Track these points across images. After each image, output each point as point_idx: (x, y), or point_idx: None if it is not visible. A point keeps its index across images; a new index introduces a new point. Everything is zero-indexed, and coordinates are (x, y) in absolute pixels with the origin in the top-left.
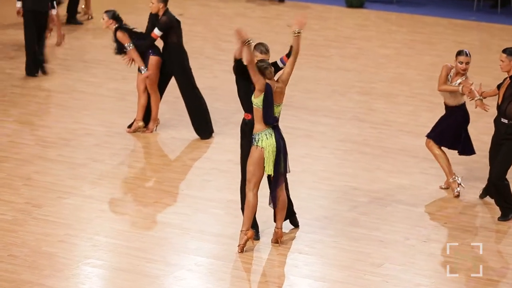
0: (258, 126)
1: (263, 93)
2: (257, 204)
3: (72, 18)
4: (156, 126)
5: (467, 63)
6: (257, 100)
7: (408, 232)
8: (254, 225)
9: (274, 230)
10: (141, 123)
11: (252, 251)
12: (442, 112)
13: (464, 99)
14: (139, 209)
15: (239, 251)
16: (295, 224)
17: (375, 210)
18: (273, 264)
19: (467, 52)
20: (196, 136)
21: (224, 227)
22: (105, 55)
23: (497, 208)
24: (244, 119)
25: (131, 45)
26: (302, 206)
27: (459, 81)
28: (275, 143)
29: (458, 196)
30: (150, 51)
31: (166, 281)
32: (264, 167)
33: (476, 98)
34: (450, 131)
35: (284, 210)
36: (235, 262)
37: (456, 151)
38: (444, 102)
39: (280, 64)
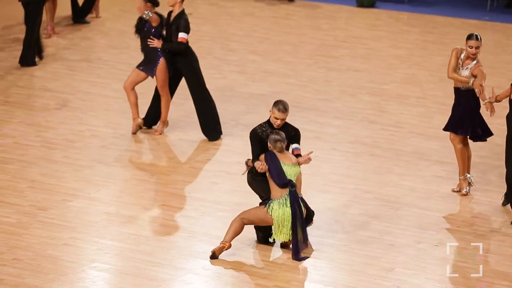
0: (273, 192)
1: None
2: (241, 230)
3: (79, 18)
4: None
5: (477, 47)
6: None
7: (420, 236)
8: (266, 229)
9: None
10: (139, 120)
11: (261, 255)
12: None
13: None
14: (145, 212)
15: (210, 255)
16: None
17: (386, 214)
18: (281, 269)
19: (477, 36)
20: (203, 137)
21: None
22: (110, 55)
23: (510, 212)
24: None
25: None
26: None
27: (470, 65)
28: (288, 212)
29: (466, 195)
30: (159, 53)
31: (173, 285)
32: (267, 227)
33: (486, 101)
34: (464, 118)
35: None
36: (243, 266)
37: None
38: (454, 87)
39: (291, 148)
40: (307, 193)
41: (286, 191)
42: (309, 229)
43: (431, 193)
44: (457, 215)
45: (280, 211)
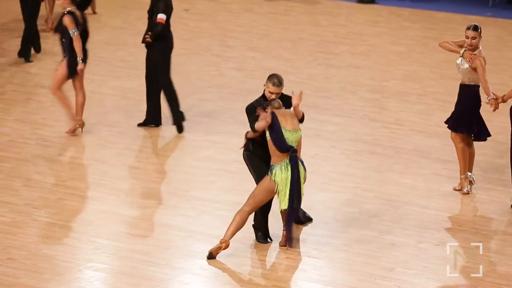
0: (274, 158)
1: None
2: (244, 224)
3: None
4: (79, 127)
5: (473, 38)
6: (266, 132)
7: (421, 235)
8: (265, 228)
9: (283, 232)
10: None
11: (260, 254)
12: None
13: (479, 81)
14: (142, 211)
15: (207, 255)
16: (308, 218)
17: (386, 213)
18: (281, 268)
19: (476, 26)
20: (202, 136)
21: None
22: (107, 52)
23: None
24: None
25: (76, 31)
26: (310, 208)
27: (464, 50)
28: (289, 177)
29: (467, 193)
30: (67, 52)
31: (171, 285)
32: (272, 198)
33: (490, 97)
34: (464, 116)
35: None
36: (242, 266)
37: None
38: (460, 83)
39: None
40: (307, 192)
41: (286, 156)
42: (308, 228)
43: (432, 192)
44: (458, 214)
45: (283, 175)
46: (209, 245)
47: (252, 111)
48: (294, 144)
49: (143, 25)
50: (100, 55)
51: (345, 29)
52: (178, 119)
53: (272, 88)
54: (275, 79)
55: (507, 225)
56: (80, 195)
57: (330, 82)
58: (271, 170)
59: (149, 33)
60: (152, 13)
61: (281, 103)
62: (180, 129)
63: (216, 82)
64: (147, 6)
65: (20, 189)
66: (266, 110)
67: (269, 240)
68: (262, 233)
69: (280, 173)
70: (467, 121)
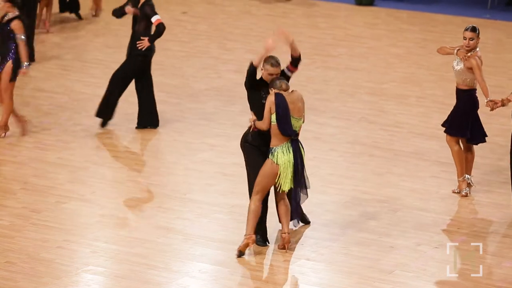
0: (275, 140)
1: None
2: (260, 210)
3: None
4: (5, 133)
5: (471, 39)
6: (273, 117)
7: (420, 237)
8: (263, 231)
9: (281, 235)
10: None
11: (258, 257)
12: None
13: (475, 85)
14: (140, 214)
15: (237, 254)
16: (306, 221)
17: (385, 215)
18: (279, 271)
19: (474, 28)
20: (200, 138)
21: (228, 232)
22: (104, 55)
23: None
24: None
25: (24, 36)
26: (309, 211)
27: (458, 49)
28: (292, 159)
29: (466, 196)
30: (11, 54)
31: None
32: (276, 182)
33: (488, 99)
34: (459, 120)
35: (289, 214)
36: (240, 269)
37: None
38: (456, 87)
39: (288, 73)
40: None
41: (287, 139)
42: (307, 231)
43: (431, 194)
44: (457, 216)
45: (285, 158)
46: (207, 248)
47: (252, 87)
48: (297, 130)
49: None
50: (98, 58)
51: (343, 31)
52: (104, 114)
53: (271, 70)
54: (273, 60)
55: (507, 228)
56: (78, 199)
57: (328, 85)
58: (272, 153)
59: (147, 37)
60: (135, 21)
61: (288, 84)
62: (103, 124)
63: (214, 84)
64: None
65: (18, 193)
66: (271, 90)
67: (267, 243)
68: (260, 236)
69: (283, 156)
70: (461, 125)
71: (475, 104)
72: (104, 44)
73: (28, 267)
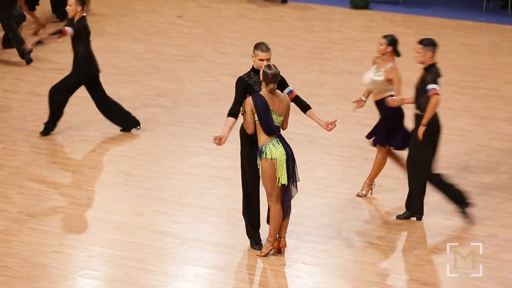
0: (262, 138)
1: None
2: (281, 211)
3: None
4: None
5: (381, 44)
6: (255, 116)
7: (416, 241)
8: (257, 235)
9: (277, 239)
10: None
11: (254, 261)
12: (451, 117)
13: (389, 92)
14: (136, 218)
15: (262, 255)
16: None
17: (381, 219)
18: (276, 275)
19: (386, 36)
20: (196, 142)
21: (224, 236)
22: (100, 59)
23: (508, 216)
24: (242, 125)
25: None
26: (305, 215)
27: (385, 68)
28: (284, 150)
29: (362, 196)
30: None
31: None
32: (277, 178)
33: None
34: (380, 127)
35: (287, 218)
36: (237, 273)
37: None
38: (374, 100)
39: (286, 90)
40: (300, 198)
41: (273, 136)
42: (303, 234)
43: (427, 198)
44: (454, 220)
45: (278, 150)
46: (204, 252)
47: (241, 84)
48: (279, 125)
49: (136, 32)
50: None
51: (338, 34)
52: (48, 129)
53: (262, 55)
54: (263, 46)
55: (503, 230)
56: (74, 203)
57: (323, 88)
58: (263, 152)
59: None
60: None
61: (275, 87)
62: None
63: (210, 88)
64: (140, 13)
65: (13, 197)
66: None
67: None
68: (256, 240)
69: (275, 149)
70: (387, 134)
71: (398, 112)
72: (99, 48)
73: (24, 271)
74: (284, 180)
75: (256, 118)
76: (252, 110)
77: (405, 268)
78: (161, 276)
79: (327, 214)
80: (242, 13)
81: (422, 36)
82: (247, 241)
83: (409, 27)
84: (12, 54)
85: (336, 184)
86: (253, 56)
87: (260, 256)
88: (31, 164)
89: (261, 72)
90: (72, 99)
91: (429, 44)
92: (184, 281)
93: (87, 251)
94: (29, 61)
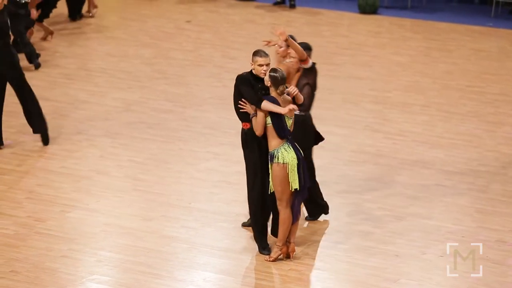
0: (273, 142)
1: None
2: (291, 216)
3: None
4: None
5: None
6: (267, 119)
7: (425, 246)
8: (264, 240)
9: (286, 244)
10: None
11: (263, 266)
12: (458, 122)
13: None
14: (145, 223)
15: (271, 260)
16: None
17: (389, 224)
18: (284, 280)
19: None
20: (204, 147)
21: (232, 241)
22: (108, 64)
23: None
24: (243, 129)
25: None
26: (314, 220)
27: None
28: (295, 155)
29: None
30: None
31: None
32: (290, 182)
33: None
34: None
35: (296, 223)
36: (245, 278)
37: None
38: None
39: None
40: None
41: (284, 140)
42: (311, 239)
43: (435, 203)
44: (462, 225)
45: (290, 155)
46: (212, 257)
47: (244, 81)
48: (290, 128)
49: (145, 37)
50: (102, 67)
51: (347, 39)
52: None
53: (261, 60)
54: (261, 52)
55: (510, 236)
56: (83, 208)
57: (332, 93)
58: (275, 156)
59: None
60: None
61: (285, 88)
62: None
63: (218, 93)
64: (148, 18)
65: (22, 202)
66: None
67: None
68: (263, 245)
69: (287, 153)
70: None
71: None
72: (108, 53)
73: (32, 276)
74: (296, 184)
75: (269, 122)
76: (266, 113)
77: (414, 273)
78: (170, 281)
79: (336, 219)
80: (250, 18)
81: (431, 41)
82: (255, 246)
83: (417, 32)
84: (21, 59)
85: (345, 189)
86: (252, 64)
87: (269, 261)
88: (40, 169)
89: (267, 77)
90: (80, 104)
91: None
92: (193, 286)
93: (96, 256)
94: (37, 66)
